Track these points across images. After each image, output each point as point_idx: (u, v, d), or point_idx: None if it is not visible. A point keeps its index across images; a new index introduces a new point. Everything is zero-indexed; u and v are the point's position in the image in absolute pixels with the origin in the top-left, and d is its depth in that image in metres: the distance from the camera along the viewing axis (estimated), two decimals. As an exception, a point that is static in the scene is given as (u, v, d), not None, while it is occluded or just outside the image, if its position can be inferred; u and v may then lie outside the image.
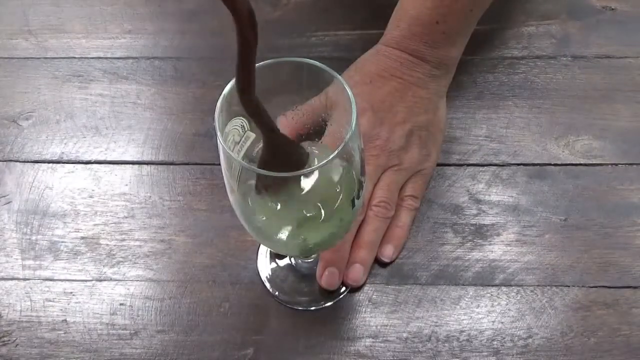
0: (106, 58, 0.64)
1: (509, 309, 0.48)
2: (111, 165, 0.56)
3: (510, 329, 0.47)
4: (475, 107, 0.59)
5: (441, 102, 0.55)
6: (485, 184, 0.54)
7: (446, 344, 0.47)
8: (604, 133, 0.57)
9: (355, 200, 0.41)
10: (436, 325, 0.48)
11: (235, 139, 0.39)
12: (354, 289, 0.50)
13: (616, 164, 0.55)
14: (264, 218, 0.41)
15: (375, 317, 0.48)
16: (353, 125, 0.36)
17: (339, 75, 0.38)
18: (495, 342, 0.47)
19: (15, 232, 0.53)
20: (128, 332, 0.48)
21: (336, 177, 0.40)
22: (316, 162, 0.38)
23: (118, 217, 0.53)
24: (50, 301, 0.49)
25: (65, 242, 0.52)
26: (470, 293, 0.49)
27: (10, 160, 0.57)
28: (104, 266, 0.51)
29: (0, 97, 0.61)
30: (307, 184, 0.40)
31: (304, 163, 0.39)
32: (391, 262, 0.50)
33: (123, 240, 0.52)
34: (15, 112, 0.60)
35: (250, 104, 0.35)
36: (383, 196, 0.50)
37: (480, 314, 0.48)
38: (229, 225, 0.52)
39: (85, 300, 0.49)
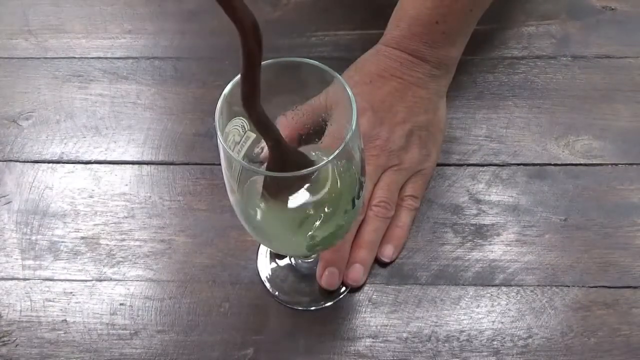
0: (106, 58, 0.64)
1: (509, 309, 0.48)
2: (111, 165, 0.56)
3: (510, 329, 0.47)
4: (475, 107, 0.59)
5: (441, 102, 0.55)
6: (485, 184, 0.54)
7: (446, 344, 0.47)
8: (604, 133, 0.57)
9: (356, 200, 0.41)
10: (436, 325, 0.48)
11: (236, 139, 0.39)
12: (354, 289, 0.50)
13: (616, 164, 0.55)
14: (264, 218, 0.41)
15: (375, 317, 0.48)
16: (353, 125, 0.36)
17: (339, 75, 0.38)
18: (495, 342, 0.47)
19: (15, 232, 0.53)
20: (128, 332, 0.48)
21: (336, 178, 0.40)
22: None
23: (118, 217, 0.53)
24: (50, 301, 0.49)
25: (65, 242, 0.52)
26: (470, 293, 0.49)
27: (10, 160, 0.57)
28: (104, 266, 0.51)
29: (0, 97, 0.61)
30: (310, 185, 0.40)
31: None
32: (391, 262, 0.50)
33: (123, 240, 0.52)
34: (15, 112, 0.60)
35: (255, 115, 0.35)
36: (383, 196, 0.50)
37: (480, 314, 0.48)
38: (229, 225, 0.52)
39: (85, 300, 0.49)
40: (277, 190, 0.39)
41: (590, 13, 0.65)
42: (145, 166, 0.56)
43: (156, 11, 0.67)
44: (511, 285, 0.49)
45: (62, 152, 0.57)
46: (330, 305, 0.49)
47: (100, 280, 0.50)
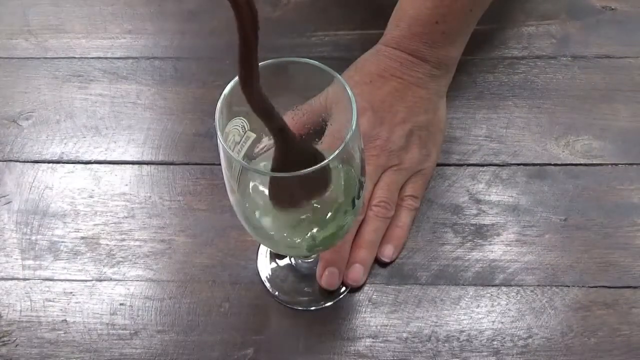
0: (106, 58, 0.64)
1: (509, 309, 0.48)
2: (111, 165, 0.56)
3: (510, 329, 0.47)
4: (475, 107, 0.59)
5: (441, 102, 0.55)
6: (485, 184, 0.54)
7: (446, 344, 0.47)
8: (604, 133, 0.57)
9: (356, 200, 0.41)
10: (436, 325, 0.48)
11: (236, 139, 0.39)
12: (354, 289, 0.50)
13: (616, 164, 0.55)
14: (263, 218, 0.41)
15: (375, 317, 0.48)
16: (353, 125, 0.36)
17: (339, 75, 0.38)
18: (495, 342, 0.47)
19: (15, 232, 0.53)
20: (128, 332, 0.48)
21: (336, 177, 0.40)
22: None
23: (118, 217, 0.53)
24: (50, 301, 0.49)
25: (65, 242, 0.52)
26: (470, 293, 0.49)
27: (10, 160, 0.57)
28: (104, 266, 0.51)
29: (0, 97, 0.61)
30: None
31: (322, 180, 0.39)
32: (391, 262, 0.50)
33: (123, 240, 0.52)
34: (15, 112, 0.60)
35: (254, 99, 0.34)
36: (383, 196, 0.50)
37: (480, 314, 0.48)
38: (229, 225, 0.52)
39: (85, 300, 0.49)
40: (283, 192, 0.39)
41: (590, 13, 0.65)
42: (145, 166, 0.56)
43: (156, 11, 0.67)
44: (511, 285, 0.49)
45: (62, 152, 0.57)
46: (330, 305, 0.49)
47: (100, 280, 0.50)
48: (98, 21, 0.66)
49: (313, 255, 0.49)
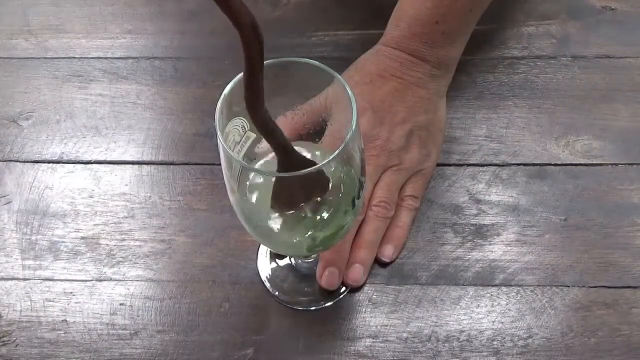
0: (106, 58, 0.64)
1: (509, 309, 0.48)
2: (111, 165, 0.56)
3: (510, 329, 0.47)
4: (475, 107, 0.59)
5: (441, 102, 0.55)
6: (485, 184, 0.54)
7: (446, 344, 0.47)
8: (604, 133, 0.57)
9: (356, 200, 0.41)
10: (436, 325, 0.48)
11: (236, 138, 0.39)
12: (354, 289, 0.50)
13: (616, 164, 0.55)
14: (263, 218, 0.41)
15: (375, 317, 0.48)
16: (353, 125, 0.36)
17: (339, 75, 0.38)
18: (495, 342, 0.47)
19: (15, 232, 0.53)
20: (128, 332, 0.48)
21: (336, 177, 0.40)
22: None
23: (118, 217, 0.53)
24: (50, 301, 0.49)
25: (65, 242, 0.52)
26: (470, 293, 0.49)
27: (10, 160, 0.57)
28: (104, 266, 0.51)
29: (0, 97, 0.61)
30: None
31: (322, 183, 0.39)
32: (391, 262, 0.50)
33: (123, 240, 0.52)
34: (15, 112, 0.60)
35: (259, 120, 0.35)
36: (383, 196, 0.50)
37: (480, 314, 0.48)
38: (229, 225, 0.52)
39: (85, 300, 0.49)
40: (287, 196, 0.40)
41: (590, 13, 0.65)
42: (145, 166, 0.56)
43: (156, 11, 0.67)
44: (511, 285, 0.49)
45: (62, 152, 0.57)
46: (330, 305, 0.49)
47: (100, 280, 0.50)
48: (98, 21, 0.66)
49: (313, 255, 0.49)
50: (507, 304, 0.48)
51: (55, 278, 0.50)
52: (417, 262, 0.51)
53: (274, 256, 0.51)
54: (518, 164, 0.55)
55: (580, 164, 0.55)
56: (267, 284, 0.50)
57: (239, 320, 0.48)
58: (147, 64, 0.63)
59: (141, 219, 0.53)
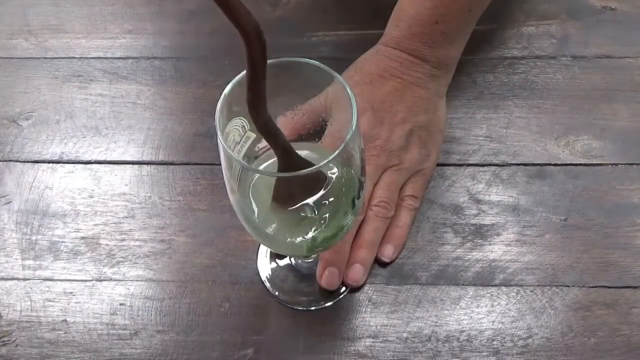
0: (106, 58, 0.64)
1: (509, 309, 0.48)
2: (111, 165, 0.56)
3: (510, 329, 0.47)
4: (475, 107, 0.59)
5: (441, 102, 0.55)
6: (485, 184, 0.54)
7: (446, 344, 0.47)
8: (604, 133, 0.57)
9: (356, 200, 0.41)
10: (436, 325, 0.48)
11: (236, 138, 0.39)
12: (354, 289, 0.50)
13: (616, 164, 0.55)
14: (264, 218, 0.41)
15: (375, 317, 0.48)
16: (353, 125, 0.36)
17: (339, 75, 0.38)
18: (495, 342, 0.47)
19: (15, 232, 0.53)
20: (128, 332, 0.48)
21: (336, 177, 0.40)
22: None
23: (118, 217, 0.53)
24: (50, 301, 0.49)
25: (65, 242, 0.52)
26: (470, 293, 0.49)
27: (10, 160, 0.57)
28: (104, 266, 0.51)
29: (0, 97, 0.61)
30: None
31: (321, 184, 0.39)
32: (391, 262, 0.50)
33: (123, 240, 0.52)
34: (15, 112, 0.60)
35: (261, 123, 0.35)
36: (383, 196, 0.50)
37: (480, 314, 0.48)
38: (229, 225, 0.52)
39: (85, 300, 0.49)
40: (288, 197, 0.40)
41: (590, 13, 0.65)
42: (145, 166, 0.56)
43: (156, 11, 0.67)
44: (511, 285, 0.49)
45: (62, 152, 0.57)
46: (330, 305, 0.49)
47: (100, 280, 0.50)
48: (98, 21, 0.67)
49: (313, 255, 0.49)
50: (507, 304, 0.48)
51: (55, 278, 0.50)
52: (417, 262, 0.51)
53: (274, 256, 0.51)
54: (518, 164, 0.55)
55: (580, 164, 0.55)
56: (267, 284, 0.50)
57: (239, 320, 0.48)
58: (147, 64, 0.63)
59: (141, 219, 0.53)
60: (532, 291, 0.49)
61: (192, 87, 0.61)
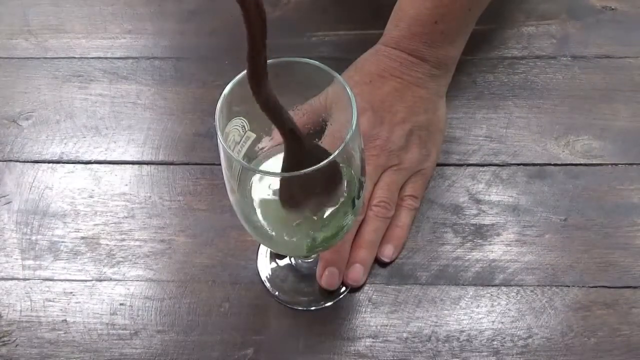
0: (106, 58, 0.64)
1: (509, 309, 0.48)
2: (111, 165, 0.56)
3: (510, 329, 0.47)
4: (475, 107, 0.59)
5: (441, 101, 0.55)
6: (485, 184, 0.54)
7: (446, 344, 0.47)
8: (604, 133, 0.57)
9: (356, 200, 0.41)
10: (436, 325, 0.48)
11: (236, 138, 0.39)
12: (354, 289, 0.50)
13: (616, 164, 0.55)
14: (263, 218, 0.41)
15: (375, 317, 0.48)
16: (353, 125, 0.36)
17: (339, 75, 0.38)
18: (495, 342, 0.47)
19: (15, 232, 0.53)
20: (128, 332, 0.48)
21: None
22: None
23: (118, 217, 0.53)
24: (50, 301, 0.49)
25: (65, 242, 0.52)
26: (470, 293, 0.49)
27: (10, 160, 0.57)
28: (104, 266, 0.51)
29: (0, 97, 0.61)
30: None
31: (333, 179, 0.39)
32: (391, 262, 0.50)
33: (123, 240, 0.52)
34: (15, 112, 0.60)
35: (263, 97, 0.34)
36: (383, 196, 0.50)
37: (480, 314, 0.48)
38: (229, 225, 0.52)
39: (85, 300, 0.49)
40: (294, 194, 0.39)
41: (590, 13, 0.65)
42: (145, 166, 0.56)
43: (156, 11, 0.67)
44: (511, 285, 0.49)
45: (62, 152, 0.57)
46: (330, 305, 0.49)
47: (100, 280, 0.50)
48: (98, 21, 0.67)
49: (313, 255, 0.49)
50: (507, 304, 0.48)
51: (55, 278, 0.50)
52: (417, 262, 0.51)
53: (274, 256, 0.51)
54: (518, 164, 0.55)
55: (580, 164, 0.55)
56: (267, 284, 0.50)
57: (239, 320, 0.48)
58: (147, 64, 0.63)
59: (141, 219, 0.53)
60: (532, 291, 0.49)
61: (192, 87, 0.61)
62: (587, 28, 0.64)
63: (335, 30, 0.64)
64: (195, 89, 0.61)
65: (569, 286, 0.49)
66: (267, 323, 0.48)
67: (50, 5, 0.68)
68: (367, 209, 0.50)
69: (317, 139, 0.44)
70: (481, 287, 0.49)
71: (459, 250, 0.51)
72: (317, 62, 0.38)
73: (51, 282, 0.50)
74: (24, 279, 0.51)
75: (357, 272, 0.49)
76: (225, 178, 0.40)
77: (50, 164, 0.57)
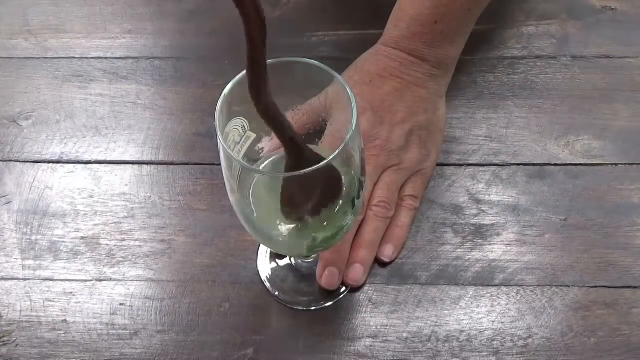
0: (106, 58, 0.64)
1: (509, 309, 0.48)
2: (111, 165, 0.56)
3: (510, 329, 0.47)
4: (475, 107, 0.59)
5: (441, 101, 0.55)
6: (485, 184, 0.54)
7: (446, 344, 0.47)
8: (604, 133, 0.57)
9: (356, 200, 0.41)
10: (436, 325, 0.48)
11: (236, 139, 0.39)
12: (354, 289, 0.50)
13: (616, 164, 0.55)
14: (263, 218, 0.41)
15: (375, 317, 0.48)
16: (353, 125, 0.36)
17: (339, 75, 0.38)
18: (495, 342, 0.47)
19: (15, 232, 0.53)
20: (128, 332, 0.48)
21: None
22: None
23: (118, 217, 0.53)
24: (50, 301, 0.49)
25: (65, 242, 0.52)
26: (470, 293, 0.49)
27: (10, 160, 0.57)
28: (104, 266, 0.51)
29: (0, 97, 0.61)
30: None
31: (336, 181, 0.39)
32: (391, 262, 0.50)
33: (123, 240, 0.52)
34: (15, 112, 0.60)
35: (263, 106, 0.34)
36: (383, 196, 0.50)
37: (480, 314, 0.48)
38: (229, 225, 0.52)
39: (85, 300, 0.49)
40: (293, 195, 0.39)
41: (590, 13, 0.65)
42: (145, 166, 0.56)
43: (156, 11, 0.67)
44: (511, 285, 0.49)
45: (62, 152, 0.57)
46: (330, 305, 0.49)
47: (100, 280, 0.50)
48: (98, 21, 0.67)
49: (313, 255, 0.49)
50: (507, 304, 0.48)
51: (55, 278, 0.50)
52: (417, 262, 0.51)
53: (274, 256, 0.51)
54: (518, 164, 0.55)
55: (580, 164, 0.55)
56: (267, 284, 0.50)
57: (239, 320, 0.48)
58: (147, 64, 0.63)
59: (141, 219, 0.53)
60: (532, 291, 0.49)
61: (192, 87, 0.61)
62: (587, 28, 0.64)
63: (335, 30, 0.64)
64: (195, 89, 0.61)
65: (569, 286, 0.49)
66: (267, 323, 0.48)
67: (50, 5, 0.68)
68: (367, 209, 0.50)
69: (317, 139, 0.44)
70: (481, 287, 0.49)
71: (459, 250, 0.51)
72: (317, 62, 0.38)
73: (51, 282, 0.50)
74: (24, 279, 0.51)
75: (357, 272, 0.49)
76: (225, 178, 0.40)
77: (50, 164, 0.57)
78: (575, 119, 0.58)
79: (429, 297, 0.49)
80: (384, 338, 0.47)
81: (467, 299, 0.49)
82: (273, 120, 0.35)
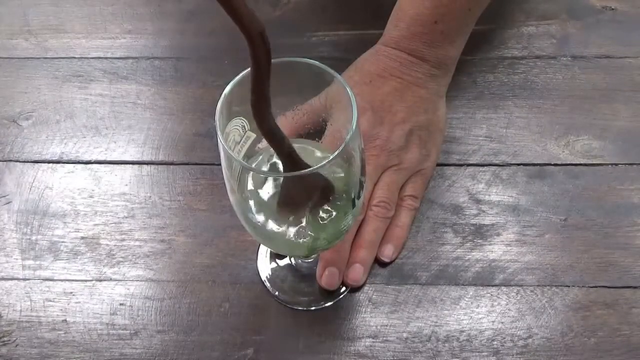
0: (106, 58, 0.64)
1: (509, 309, 0.48)
2: (111, 165, 0.56)
3: (510, 329, 0.47)
4: (475, 107, 0.59)
5: (441, 101, 0.55)
6: (485, 184, 0.54)
7: (446, 344, 0.47)
8: (604, 133, 0.57)
9: (356, 200, 0.41)
10: (436, 325, 0.48)
11: (236, 138, 0.39)
12: (354, 289, 0.50)
13: (616, 164, 0.55)
14: (264, 218, 0.41)
15: (375, 317, 0.48)
16: (354, 125, 0.36)
17: (339, 75, 0.38)
18: (495, 342, 0.47)
19: (15, 232, 0.53)
20: (128, 332, 0.48)
21: (337, 178, 0.40)
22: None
23: (118, 217, 0.53)
24: (50, 301, 0.49)
25: (65, 242, 0.52)
26: (470, 293, 0.49)
27: (10, 160, 0.57)
28: (104, 266, 0.51)
29: (0, 97, 0.61)
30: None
31: (326, 186, 0.39)
32: (391, 262, 0.50)
33: (123, 240, 0.52)
34: (15, 112, 0.60)
35: (265, 126, 0.35)
36: (383, 196, 0.50)
37: (480, 314, 0.48)
38: (229, 225, 0.52)
39: (85, 300, 0.49)
40: (291, 200, 0.39)
41: (590, 13, 0.65)
42: (145, 166, 0.56)
43: (156, 11, 0.67)
44: (511, 285, 0.49)
45: (62, 152, 0.57)
46: (330, 305, 0.49)
47: (100, 280, 0.50)
48: (98, 21, 0.67)
49: (313, 255, 0.49)
50: (507, 304, 0.48)
51: (55, 278, 0.50)
52: (417, 262, 0.51)
53: (274, 256, 0.51)
54: (518, 164, 0.55)
55: (580, 164, 0.55)
56: (267, 284, 0.50)
57: (239, 320, 0.48)
58: (147, 64, 0.63)
59: (141, 219, 0.53)
60: (532, 291, 0.49)
61: (192, 87, 0.61)
62: (587, 28, 0.64)
63: (335, 30, 0.64)
64: (195, 89, 0.61)
65: (569, 286, 0.49)
66: (267, 323, 0.48)
67: (50, 5, 0.68)
68: (367, 209, 0.50)
69: (317, 139, 0.44)
70: (481, 287, 0.49)
71: (459, 250, 0.51)
72: (317, 62, 0.38)
73: (51, 282, 0.50)
74: (24, 279, 0.51)
75: (357, 272, 0.49)
76: (225, 178, 0.40)
77: (50, 164, 0.57)
78: (575, 119, 0.58)
79: (429, 297, 0.49)
80: (384, 338, 0.47)
81: (467, 299, 0.49)
82: (274, 140, 0.36)
